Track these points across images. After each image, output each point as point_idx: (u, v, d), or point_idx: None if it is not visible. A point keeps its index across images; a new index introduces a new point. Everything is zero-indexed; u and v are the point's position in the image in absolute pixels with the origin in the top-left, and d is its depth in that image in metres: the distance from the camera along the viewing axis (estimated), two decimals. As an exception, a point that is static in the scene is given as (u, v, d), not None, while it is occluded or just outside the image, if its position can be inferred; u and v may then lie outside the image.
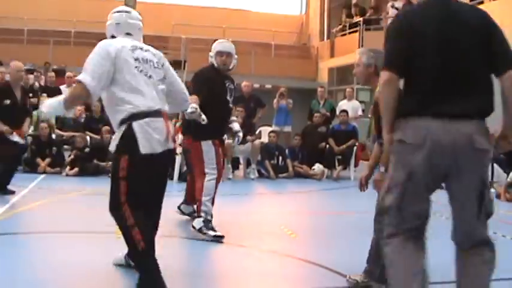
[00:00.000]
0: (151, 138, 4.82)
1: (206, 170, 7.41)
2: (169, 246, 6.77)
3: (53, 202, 9.95)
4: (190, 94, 6.63)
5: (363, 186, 6.17)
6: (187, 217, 8.52)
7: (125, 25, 5.57)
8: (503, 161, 13.79)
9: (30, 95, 15.38)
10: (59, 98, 4.88)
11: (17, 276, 5.38)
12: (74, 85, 4.97)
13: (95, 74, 4.83)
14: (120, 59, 4.98)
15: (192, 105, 6.50)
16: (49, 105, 4.85)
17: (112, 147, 4.93)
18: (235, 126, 8.07)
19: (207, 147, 7.44)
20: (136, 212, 4.81)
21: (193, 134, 7.51)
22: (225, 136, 8.47)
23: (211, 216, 7.39)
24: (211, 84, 7.48)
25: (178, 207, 8.77)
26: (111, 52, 5.02)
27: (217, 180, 7.56)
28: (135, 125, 4.82)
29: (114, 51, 5.01)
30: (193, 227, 7.42)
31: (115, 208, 4.87)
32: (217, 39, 8.08)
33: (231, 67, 7.82)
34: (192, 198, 8.27)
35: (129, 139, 4.80)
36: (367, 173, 6.03)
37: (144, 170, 4.86)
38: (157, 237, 5.19)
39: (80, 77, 4.81)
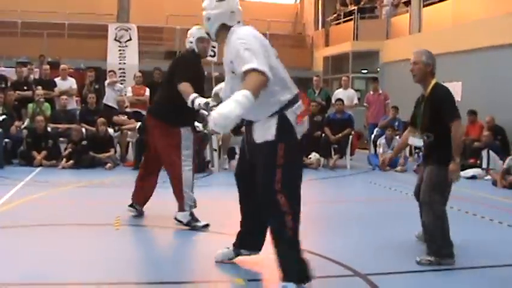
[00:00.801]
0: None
1: (183, 158, 7.28)
2: (164, 236, 6.79)
3: (50, 195, 9.94)
4: (179, 81, 6.65)
5: (384, 165, 7.69)
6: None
7: (238, 13, 5.23)
8: (498, 147, 13.82)
9: (25, 88, 15.40)
10: (238, 99, 4.21)
11: (15, 269, 5.38)
12: (249, 76, 4.44)
13: (264, 60, 4.58)
14: (267, 47, 4.85)
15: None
16: (224, 117, 4.15)
17: (267, 137, 4.85)
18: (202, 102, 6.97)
19: (187, 134, 7.37)
20: (290, 199, 4.85)
21: (173, 120, 7.27)
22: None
23: (195, 203, 7.42)
24: (195, 70, 7.40)
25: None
26: (262, 40, 4.87)
27: (195, 169, 7.59)
28: (289, 113, 4.85)
29: (263, 39, 4.88)
30: (179, 221, 7.35)
31: (270, 195, 4.84)
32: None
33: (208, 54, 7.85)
34: (142, 195, 7.96)
35: (285, 128, 4.83)
36: (391, 156, 7.65)
37: (298, 156, 5.21)
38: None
39: (255, 66, 4.45)
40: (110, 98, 16.12)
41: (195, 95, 6.80)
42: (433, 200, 6.14)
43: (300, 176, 5.05)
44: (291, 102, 4.88)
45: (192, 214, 7.33)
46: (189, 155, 7.35)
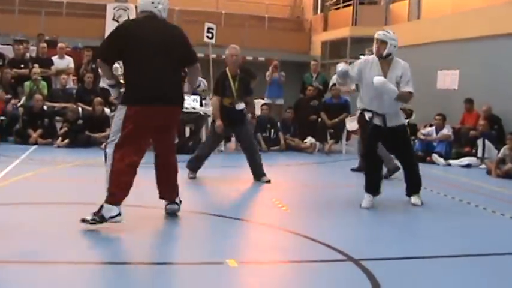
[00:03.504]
0: None
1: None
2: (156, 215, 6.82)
3: (44, 173, 9.95)
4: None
5: None
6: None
7: None
8: (494, 137, 13.84)
9: (22, 65, 15.36)
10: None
11: (10, 246, 5.38)
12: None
13: None
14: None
15: None
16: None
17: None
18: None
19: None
20: None
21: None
22: None
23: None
24: None
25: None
26: None
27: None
28: None
29: None
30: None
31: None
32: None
33: None
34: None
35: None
36: None
37: None
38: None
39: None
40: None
41: None
42: None
43: None
44: None
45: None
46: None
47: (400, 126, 8.32)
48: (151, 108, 6.30)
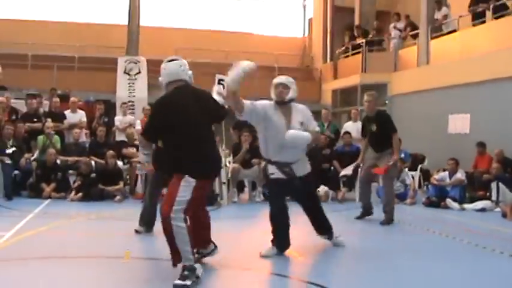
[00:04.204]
0: None
1: None
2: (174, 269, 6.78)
3: (59, 227, 9.95)
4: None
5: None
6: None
7: None
8: (508, 179, 13.79)
9: (35, 120, 15.47)
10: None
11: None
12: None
13: None
14: None
15: None
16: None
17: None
18: None
19: None
20: None
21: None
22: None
23: None
24: None
25: None
26: None
27: None
28: None
29: None
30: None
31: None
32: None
33: None
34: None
35: None
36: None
37: None
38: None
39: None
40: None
41: None
42: None
43: None
44: None
45: None
46: None
47: (308, 174, 8.27)
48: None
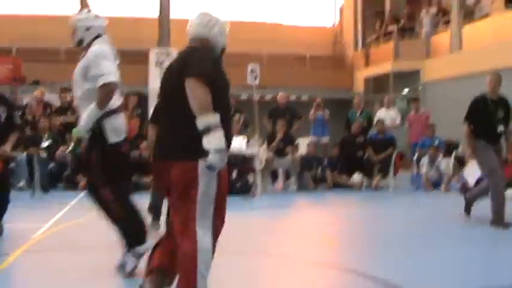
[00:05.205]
0: None
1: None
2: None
3: (95, 218, 10.03)
4: None
5: None
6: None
7: None
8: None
9: (69, 113, 15.60)
10: None
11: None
12: None
13: None
14: None
15: None
16: None
17: None
18: None
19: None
20: None
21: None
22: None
23: None
24: None
25: None
26: None
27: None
28: None
29: None
30: None
31: None
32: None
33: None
34: None
35: None
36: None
37: None
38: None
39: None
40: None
41: None
42: None
43: None
44: None
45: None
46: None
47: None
48: None
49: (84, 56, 6.23)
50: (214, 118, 4.10)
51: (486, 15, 19.40)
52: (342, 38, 30.23)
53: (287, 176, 14.81)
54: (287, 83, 23.34)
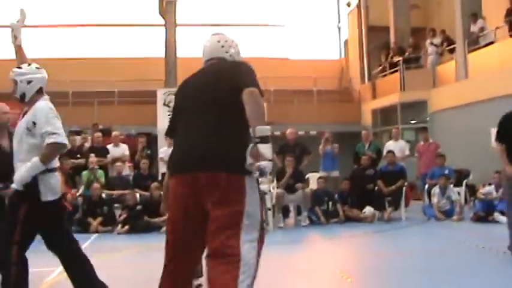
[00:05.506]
0: None
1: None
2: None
3: (108, 261, 10.02)
4: None
5: None
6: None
7: None
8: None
9: (78, 156, 15.69)
10: None
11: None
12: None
13: None
14: None
15: None
16: None
17: None
18: None
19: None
20: None
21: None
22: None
23: None
24: None
25: None
26: None
27: None
28: None
29: None
30: None
31: None
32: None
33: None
34: None
35: None
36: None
37: None
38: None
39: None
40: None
41: None
42: None
43: None
44: None
45: None
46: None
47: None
48: None
49: (27, 111, 6.19)
50: (269, 128, 4.20)
51: (491, 43, 19.45)
52: (348, 71, 30.34)
53: (298, 212, 14.79)
54: (294, 119, 23.38)
